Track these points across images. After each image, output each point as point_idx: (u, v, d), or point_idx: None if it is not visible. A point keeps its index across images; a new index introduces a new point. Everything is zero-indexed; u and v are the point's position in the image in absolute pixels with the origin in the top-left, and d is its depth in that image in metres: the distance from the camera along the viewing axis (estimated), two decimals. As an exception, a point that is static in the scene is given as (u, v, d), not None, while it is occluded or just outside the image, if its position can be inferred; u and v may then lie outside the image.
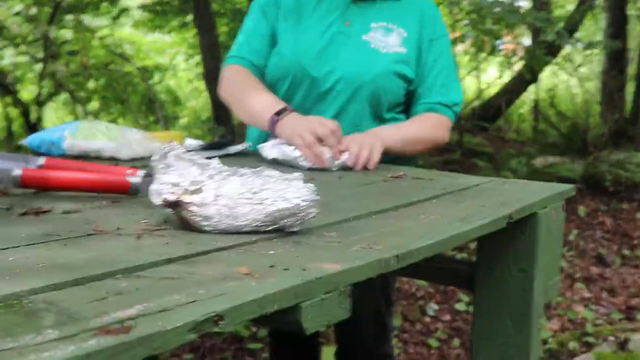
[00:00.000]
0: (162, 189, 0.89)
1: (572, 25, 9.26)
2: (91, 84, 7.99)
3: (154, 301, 0.62)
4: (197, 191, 0.89)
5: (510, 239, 1.27)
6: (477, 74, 12.69)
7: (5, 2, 7.14)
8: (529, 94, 11.21)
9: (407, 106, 1.83)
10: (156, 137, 1.71)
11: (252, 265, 0.74)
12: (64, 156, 1.53)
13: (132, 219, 0.94)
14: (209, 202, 0.89)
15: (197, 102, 10.75)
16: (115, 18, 6.85)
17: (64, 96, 8.28)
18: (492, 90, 11.80)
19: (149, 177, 1.13)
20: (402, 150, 1.72)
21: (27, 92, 8.48)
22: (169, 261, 0.75)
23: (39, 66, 7.86)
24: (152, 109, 8.94)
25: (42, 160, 1.20)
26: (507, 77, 11.05)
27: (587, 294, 3.51)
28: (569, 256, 4.09)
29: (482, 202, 1.20)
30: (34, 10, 7.18)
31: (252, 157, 1.71)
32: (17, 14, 6.89)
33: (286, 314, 0.70)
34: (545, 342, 2.90)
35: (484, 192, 1.32)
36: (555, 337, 2.94)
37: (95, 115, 8.38)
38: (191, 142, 1.84)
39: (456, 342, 2.90)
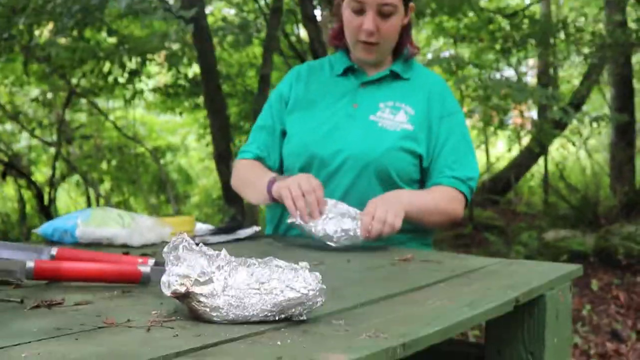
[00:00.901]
0: (172, 281, 0.91)
1: (578, 99, 9.39)
2: (103, 165, 8.10)
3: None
4: (205, 282, 0.91)
5: (518, 321, 1.27)
6: (486, 147, 12.81)
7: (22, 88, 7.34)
8: (539, 167, 11.26)
9: (422, 184, 1.86)
10: (167, 222, 1.73)
11: (260, 358, 0.75)
12: (76, 244, 1.56)
13: (142, 310, 0.96)
14: (217, 293, 0.90)
15: (208, 180, 10.87)
16: (129, 101, 7.00)
17: (76, 178, 8.39)
18: (502, 164, 11.89)
19: (160, 266, 1.15)
20: (419, 218, 1.74)
21: (40, 174, 8.61)
22: (178, 355, 0.76)
23: (52, 149, 8.02)
24: (163, 189, 9.04)
25: (54, 251, 1.22)
26: (515, 150, 11.14)
27: (603, 372, 3.45)
28: (583, 332, 4.03)
29: (489, 285, 1.21)
30: (49, 96, 7.37)
31: (261, 241, 1.74)
32: (35, 99, 7.06)
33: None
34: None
35: (491, 274, 1.33)
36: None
37: (107, 196, 8.46)
38: (201, 227, 1.87)
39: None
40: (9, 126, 7.69)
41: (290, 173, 1.86)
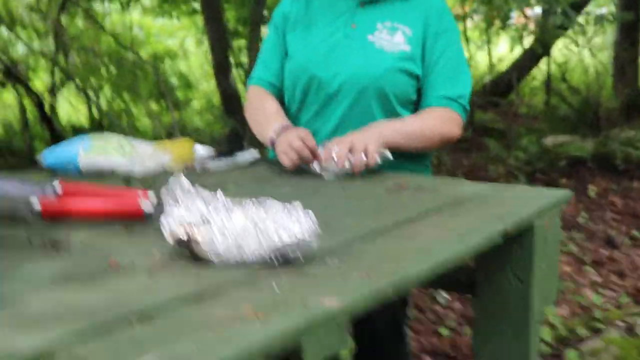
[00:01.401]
0: (171, 225, 0.95)
1: (582, -2, 9.20)
2: (103, 72, 8.05)
3: (167, 347, 0.68)
4: (203, 224, 0.95)
5: (507, 249, 1.33)
6: (489, 48, 12.64)
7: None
8: (541, 68, 11.16)
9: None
10: (167, 148, 1.77)
11: (257, 302, 0.81)
12: (79, 173, 1.60)
13: (145, 250, 1.00)
14: (215, 236, 0.95)
15: (209, 84, 10.79)
16: (125, 5, 6.88)
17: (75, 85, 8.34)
18: (504, 65, 11.75)
19: (159, 204, 1.19)
20: (406, 145, 1.76)
21: (39, 82, 8.56)
22: (180, 301, 0.81)
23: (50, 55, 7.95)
24: (163, 95, 9.02)
25: (57, 184, 1.26)
26: (518, 51, 11.00)
27: (596, 278, 3.56)
28: (579, 239, 4.13)
29: (479, 215, 1.25)
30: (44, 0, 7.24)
31: (259, 167, 1.77)
32: (29, 8, 6.95)
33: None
34: (554, 327, 2.96)
35: (481, 202, 1.37)
36: (565, 323, 2.99)
37: (108, 103, 8.45)
38: (200, 150, 1.90)
39: (467, 330, 2.96)
40: (4, 30, 7.59)
41: (291, 95, 1.90)
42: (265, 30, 5.75)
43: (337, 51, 1.82)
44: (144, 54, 9.66)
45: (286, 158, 1.68)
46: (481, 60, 13.07)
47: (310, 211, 0.99)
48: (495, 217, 1.24)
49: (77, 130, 8.30)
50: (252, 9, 4.21)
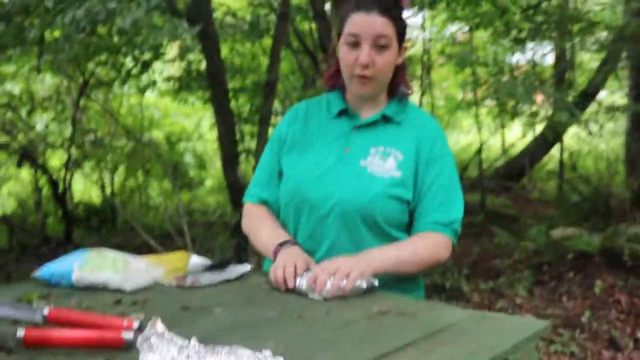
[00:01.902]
0: (145, 371, 0.99)
1: (594, 87, 9.34)
2: (118, 152, 8.23)
3: None
4: (176, 371, 0.99)
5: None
6: (502, 133, 12.80)
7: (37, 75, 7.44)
8: (554, 153, 11.24)
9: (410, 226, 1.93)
10: (162, 261, 1.82)
11: None
12: (72, 287, 1.65)
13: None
14: (186, 381, 0.98)
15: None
16: (143, 90, 7.09)
17: (91, 164, 8.52)
18: (517, 149, 11.86)
19: (141, 331, 1.24)
20: (396, 271, 1.81)
21: (56, 159, 8.75)
22: None
23: (67, 134, 8.15)
24: (176, 175, 9.18)
25: (46, 310, 1.31)
26: (530, 136, 11.12)
27: (598, 382, 3.52)
28: (581, 339, 4.10)
29: (454, 352, 1.28)
30: (64, 84, 7.48)
31: (249, 283, 1.82)
32: (48, 98, 7.18)
33: None
34: None
35: (459, 334, 1.39)
36: None
37: (122, 183, 8.60)
38: (195, 261, 1.95)
39: None
40: (24, 113, 7.83)
41: (286, 215, 1.96)
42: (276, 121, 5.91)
43: (330, 174, 1.88)
44: (160, 134, 9.90)
45: (274, 280, 1.73)
46: (494, 143, 13.24)
47: (280, 358, 1.03)
48: (468, 354, 1.27)
49: (89, 209, 8.44)
50: (262, 105, 4.34)
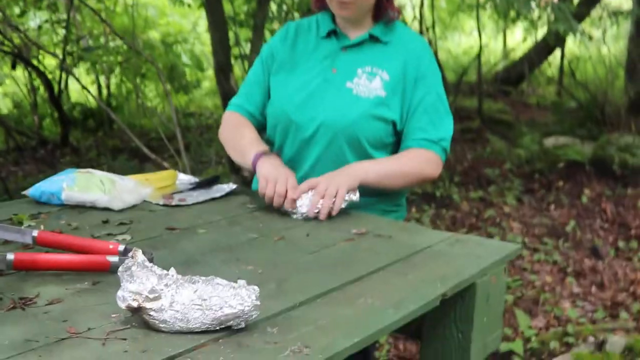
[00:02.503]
0: (126, 296, 1.05)
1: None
2: (114, 54, 8.14)
3: None
4: (155, 299, 1.05)
5: (450, 305, 1.42)
6: (504, 35, 12.61)
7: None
8: (556, 57, 11.13)
9: (398, 147, 1.95)
10: (149, 180, 1.87)
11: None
12: (62, 206, 1.71)
13: (104, 313, 1.11)
14: (165, 308, 1.05)
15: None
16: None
17: (86, 66, 8.45)
18: (518, 54, 11.73)
19: (126, 254, 1.30)
20: (380, 184, 1.85)
21: (51, 58, 8.65)
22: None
23: (62, 31, 8.03)
24: (173, 77, 9.13)
25: (35, 232, 1.37)
26: (531, 40, 10.98)
27: (576, 289, 3.65)
28: (565, 248, 4.21)
29: (424, 275, 1.35)
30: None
31: (234, 202, 1.87)
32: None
33: None
34: (528, 340, 3.06)
35: (431, 257, 1.46)
36: (539, 336, 3.09)
37: (118, 86, 8.55)
38: (183, 179, 2.00)
39: None
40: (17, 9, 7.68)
41: (272, 137, 1.99)
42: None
43: (315, 96, 1.90)
44: (156, 34, 9.76)
45: (265, 194, 1.76)
46: (495, 46, 13.07)
47: (255, 287, 1.09)
48: (438, 278, 1.33)
49: (85, 112, 8.44)
50: (256, 10, 4.28)
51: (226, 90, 4.12)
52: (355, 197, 1.76)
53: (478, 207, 5.04)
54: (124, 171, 6.43)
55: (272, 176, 1.77)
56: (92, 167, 6.74)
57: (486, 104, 9.38)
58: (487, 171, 5.93)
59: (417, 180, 1.92)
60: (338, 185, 1.74)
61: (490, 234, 4.34)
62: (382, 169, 1.85)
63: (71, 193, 1.69)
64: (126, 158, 7.02)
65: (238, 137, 1.98)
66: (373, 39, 1.94)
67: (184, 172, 5.01)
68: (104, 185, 1.70)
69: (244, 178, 4.08)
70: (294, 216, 1.73)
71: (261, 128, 2.04)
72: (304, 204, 1.73)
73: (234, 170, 4.41)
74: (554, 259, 4.00)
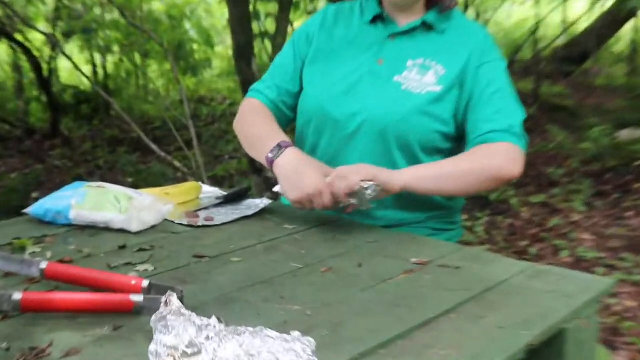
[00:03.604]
0: (160, 352, 1.03)
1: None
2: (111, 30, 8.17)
3: None
4: (194, 354, 1.03)
5: (536, 354, 1.39)
6: (564, 5, 12.47)
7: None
8: (626, 31, 11.00)
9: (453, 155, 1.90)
10: (169, 195, 1.86)
11: None
12: (70, 226, 1.70)
13: (130, 366, 1.10)
14: (206, 366, 1.03)
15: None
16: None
17: (79, 42, 8.48)
18: (580, 27, 11.59)
19: (150, 292, 1.28)
20: (435, 187, 1.80)
21: (38, 36, 8.70)
22: None
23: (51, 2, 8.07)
24: (180, 56, 9.13)
25: (44, 264, 1.36)
26: (598, 11, 10.85)
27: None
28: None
29: (503, 319, 1.32)
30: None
31: (269, 221, 1.85)
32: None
33: None
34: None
35: (509, 295, 1.43)
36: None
37: (116, 66, 8.58)
38: (207, 191, 1.99)
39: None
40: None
41: (303, 134, 1.96)
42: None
43: (358, 89, 1.88)
44: (161, 5, 9.78)
45: (299, 202, 1.74)
46: (553, 19, 12.93)
47: (310, 339, 1.07)
48: (520, 323, 1.30)
49: (78, 96, 8.47)
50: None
51: (246, 77, 4.10)
52: (370, 191, 1.72)
53: (540, 214, 4.98)
54: (123, 165, 6.48)
55: (303, 195, 1.73)
56: (87, 161, 6.83)
57: (544, 86, 9.28)
58: (548, 170, 5.86)
59: (490, 180, 1.81)
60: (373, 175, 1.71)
61: (557, 248, 4.29)
62: (437, 169, 1.80)
63: (81, 212, 1.69)
64: (126, 151, 7.06)
65: (253, 129, 1.96)
66: (426, 26, 1.91)
67: (197, 168, 5.06)
68: (119, 203, 1.68)
69: (268, 179, 4.08)
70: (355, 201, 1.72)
71: (286, 122, 2.02)
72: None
73: (255, 169, 4.40)
74: (636, 279, 3.94)
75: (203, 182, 2.07)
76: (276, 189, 1.79)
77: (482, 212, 5.03)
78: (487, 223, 4.82)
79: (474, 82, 1.85)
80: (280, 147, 1.80)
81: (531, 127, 7.52)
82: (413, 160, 1.85)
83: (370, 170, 1.71)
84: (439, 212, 1.92)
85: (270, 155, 1.80)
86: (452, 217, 1.97)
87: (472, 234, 4.61)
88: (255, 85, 2.08)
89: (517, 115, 1.84)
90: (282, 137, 1.85)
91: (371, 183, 1.69)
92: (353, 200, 1.71)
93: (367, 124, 1.85)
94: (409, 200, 1.84)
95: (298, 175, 1.75)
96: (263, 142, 1.85)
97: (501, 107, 1.84)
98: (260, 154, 1.86)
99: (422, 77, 1.85)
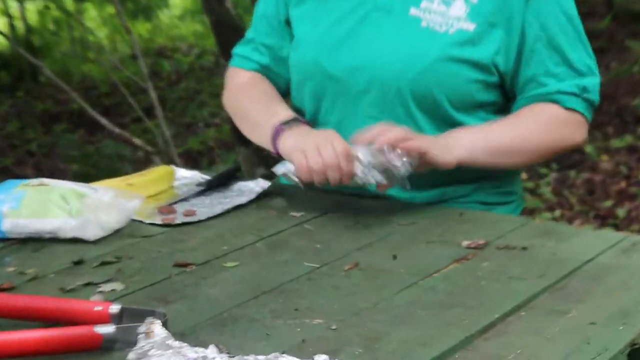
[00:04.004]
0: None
1: None
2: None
3: None
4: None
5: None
6: None
7: None
8: None
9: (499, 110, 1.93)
10: (134, 187, 1.87)
11: None
12: (4, 240, 1.71)
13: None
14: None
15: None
16: None
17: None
18: None
19: (122, 319, 1.30)
20: (492, 162, 1.84)
21: None
22: None
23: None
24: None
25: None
26: None
27: None
28: None
29: (593, 311, 1.33)
30: None
31: (272, 209, 1.86)
32: None
33: None
34: None
35: (597, 280, 1.44)
36: None
37: (40, 15, 8.54)
38: (184, 176, 2.01)
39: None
40: None
41: (299, 100, 1.99)
42: None
43: (362, 33, 1.88)
44: None
45: (304, 161, 1.72)
46: None
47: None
48: (617, 315, 1.31)
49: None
50: None
51: (220, 16, 4.10)
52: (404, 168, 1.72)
53: (627, 161, 4.98)
54: (64, 148, 6.44)
55: (309, 144, 1.74)
56: (13, 146, 6.77)
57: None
58: (633, 102, 5.85)
59: (549, 154, 1.96)
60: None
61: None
62: (493, 141, 1.84)
63: (18, 220, 1.69)
64: (65, 128, 7.06)
65: (251, 107, 2.00)
66: None
67: (164, 144, 5.03)
68: (68, 204, 1.69)
69: (259, 152, 4.06)
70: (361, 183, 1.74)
71: (287, 89, 2.06)
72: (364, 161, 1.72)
73: (240, 139, 4.38)
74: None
75: (173, 162, 2.08)
76: (279, 168, 1.79)
77: (547, 167, 5.03)
78: (555, 181, 4.82)
79: (526, 19, 1.84)
80: (288, 124, 1.84)
81: (605, 46, 7.49)
82: (445, 123, 1.85)
83: (417, 142, 1.72)
84: (491, 182, 1.93)
85: (273, 134, 1.83)
86: (510, 185, 1.97)
87: (536, 197, 4.62)
88: (238, 48, 2.11)
89: (589, 69, 1.88)
90: (289, 113, 1.89)
91: (405, 159, 1.70)
92: (379, 178, 1.71)
93: (377, 81, 1.85)
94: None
95: (310, 139, 1.76)
96: (263, 120, 1.91)
97: (569, 57, 1.86)
98: (262, 137, 1.90)
99: (447, 9, 1.83)
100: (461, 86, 1.85)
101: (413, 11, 1.85)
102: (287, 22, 2.00)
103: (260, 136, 1.91)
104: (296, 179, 1.75)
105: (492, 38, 1.84)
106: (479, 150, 1.81)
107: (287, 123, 1.84)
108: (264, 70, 2.03)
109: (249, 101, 1.99)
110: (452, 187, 1.83)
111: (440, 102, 1.84)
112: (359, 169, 1.71)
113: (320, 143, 1.72)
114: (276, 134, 1.83)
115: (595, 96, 1.88)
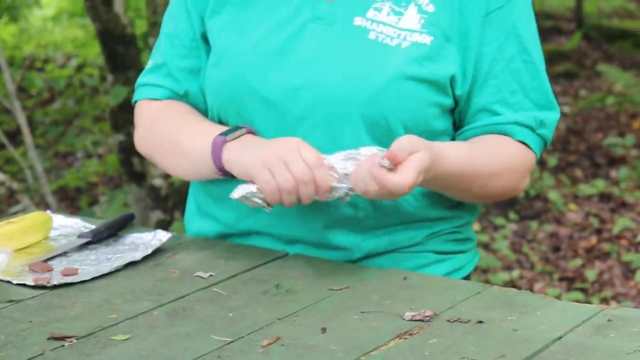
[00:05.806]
0: None
1: None
2: None
3: None
4: None
5: None
6: None
7: None
8: None
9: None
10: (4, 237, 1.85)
11: None
12: None
13: None
14: None
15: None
16: None
17: None
18: None
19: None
20: (458, 186, 1.90)
21: None
22: None
23: None
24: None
25: None
26: None
27: None
28: None
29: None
30: None
31: (174, 263, 1.86)
32: None
33: None
34: None
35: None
36: None
37: None
38: (64, 223, 2.00)
39: None
40: None
41: (220, 124, 1.98)
42: None
43: (300, 47, 1.89)
44: None
45: (270, 179, 1.73)
46: None
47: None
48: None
49: None
50: None
51: (106, 23, 4.09)
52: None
53: (599, 212, 5.05)
54: None
55: (271, 157, 1.75)
56: None
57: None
58: (606, 140, 5.94)
59: (495, 196, 2.02)
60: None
61: (631, 267, 4.37)
62: (467, 157, 1.88)
63: None
64: None
65: (172, 131, 2.01)
66: None
67: (33, 179, 4.97)
68: None
69: (155, 190, 4.04)
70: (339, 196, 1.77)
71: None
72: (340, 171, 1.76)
73: (133, 172, 4.36)
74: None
75: (44, 202, 2.07)
76: (235, 192, 1.78)
77: (504, 217, 5.07)
78: (514, 234, 4.87)
79: (484, 38, 1.90)
80: (237, 128, 1.87)
81: (573, 69, 7.60)
82: None
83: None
84: (445, 226, 1.95)
85: (214, 148, 1.84)
86: (466, 230, 2.00)
87: (491, 253, 4.66)
88: (144, 77, 2.11)
89: (551, 105, 1.96)
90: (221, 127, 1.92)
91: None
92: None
93: (320, 105, 1.86)
94: (393, 209, 1.86)
95: (271, 151, 1.78)
96: (195, 142, 1.92)
97: (527, 83, 1.93)
98: (197, 160, 1.91)
99: (398, 20, 1.86)
100: (418, 110, 1.88)
101: (358, 21, 1.87)
102: (204, 38, 2.00)
103: (196, 163, 1.91)
104: (260, 202, 1.77)
105: (449, 55, 1.87)
106: (450, 162, 1.83)
107: (228, 133, 1.84)
108: (182, 99, 2.04)
109: (171, 129, 2.00)
110: (403, 233, 1.83)
111: (394, 129, 1.86)
112: (335, 181, 1.74)
113: (286, 156, 1.74)
114: (216, 148, 1.83)
115: (550, 134, 1.94)
